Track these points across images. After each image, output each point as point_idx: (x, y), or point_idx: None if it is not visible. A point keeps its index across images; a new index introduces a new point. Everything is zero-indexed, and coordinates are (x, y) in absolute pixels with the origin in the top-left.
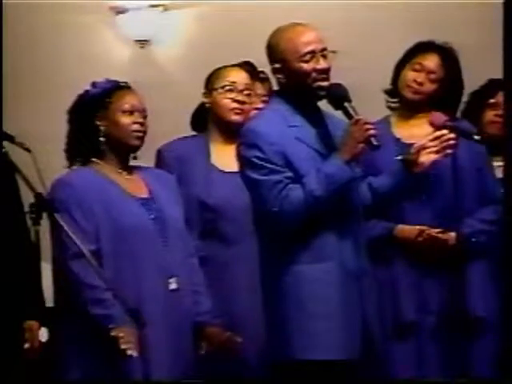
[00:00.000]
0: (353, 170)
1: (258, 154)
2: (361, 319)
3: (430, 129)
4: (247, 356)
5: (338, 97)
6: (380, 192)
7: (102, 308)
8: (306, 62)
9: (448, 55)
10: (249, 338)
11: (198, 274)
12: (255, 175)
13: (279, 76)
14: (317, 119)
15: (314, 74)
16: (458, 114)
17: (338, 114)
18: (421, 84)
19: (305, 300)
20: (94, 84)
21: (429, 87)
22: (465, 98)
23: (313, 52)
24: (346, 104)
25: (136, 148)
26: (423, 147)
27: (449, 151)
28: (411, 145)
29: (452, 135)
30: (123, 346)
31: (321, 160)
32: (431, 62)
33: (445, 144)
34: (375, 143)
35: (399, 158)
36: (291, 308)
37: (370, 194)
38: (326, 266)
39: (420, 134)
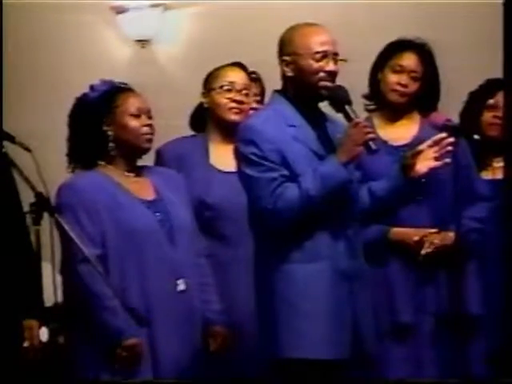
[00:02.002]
0: (349, 172)
1: (255, 150)
2: (351, 320)
3: (416, 129)
4: (247, 355)
5: (340, 99)
6: (377, 196)
7: (109, 317)
8: (317, 60)
9: (424, 51)
10: (249, 336)
11: (206, 274)
12: (251, 172)
13: (286, 69)
14: (317, 120)
15: (321, 74)
16: (456, 115)
17: (340, 116)
18: (405, 86)
19: (295, 299)
20: (92, 87)
21: (413, 87)
22: (464, 98)
23: (325, 53)
24: (346, 107)
25: (147, 150)
26: (421, 152)
27: (448, 160)
28: (399, 147)
29: (451, 139)
30: (132, 365)
31: (318, 161)
32: (410, 60)
33: (444, 150)
34: (373, 147)
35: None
36: (281, 306)
37: (368, 197)
38: (317, 266)
39: (407, 135)
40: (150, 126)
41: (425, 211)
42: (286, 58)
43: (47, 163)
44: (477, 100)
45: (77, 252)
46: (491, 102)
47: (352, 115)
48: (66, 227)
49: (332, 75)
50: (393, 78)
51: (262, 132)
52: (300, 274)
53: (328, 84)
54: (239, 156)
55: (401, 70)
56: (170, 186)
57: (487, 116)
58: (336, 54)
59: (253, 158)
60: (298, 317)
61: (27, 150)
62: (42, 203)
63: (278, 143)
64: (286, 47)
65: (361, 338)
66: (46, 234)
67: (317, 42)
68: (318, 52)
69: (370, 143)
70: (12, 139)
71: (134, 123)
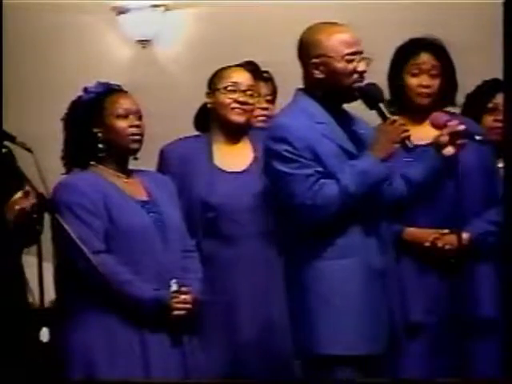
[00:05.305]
0: (386, 168)
1: (288, 147)
2: (386, 315)
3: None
4: (248, 353)
5: (374, 97)
6: (414, 180)
7: (147, 291)
8: (349, 61)
9: (436, 47)
10: (250, 337)
11: (194, 265)
12: (285, 168)
13: (316, 72)
14: (341, 117)
15: (355, 75)
16: None
17: (360, 113)
18: (428, 86)
19: (331, 296)
20: (85, 89)
21: (435, 86)
22: (462, 100)
23: (355, 53)
24: (380, 104)
25: (135, 151)
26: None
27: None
28: (419, 146)
29: (462, 127)
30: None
31: (346, 157)
32: (426, 60)
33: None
34: (409, 145)
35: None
36: (317, 303)
37: (405, 184)
38: (351, 262)
39: (430, 135)
40: (137, 126)
41: (438, 213)
42: (315, 60)
43: (48, 164)
44: (475, 102)
45: (89, 246)
46: (491, 105)
47: (386, 113)
48: (67, 227)
49: (363, 74)
50: (414, 81)
51: (293, 129)
52: (335, 270)
53: (361, 85)
54: (270, 152)
55: (419, 72)
56: (159, 187)
57: (488, 120)
58: (362, 53)
59: (286, 154)
60: (336, 314)
61: (28, 150)
62: (42, 204)
63: (310, 140)
64: (313, 49)
65: (393, 332)
66: (47, 235)
67: (346, 42)
68: (350, 53)
69: (407, 141)
70: (12, 139)
71: (120, 124)
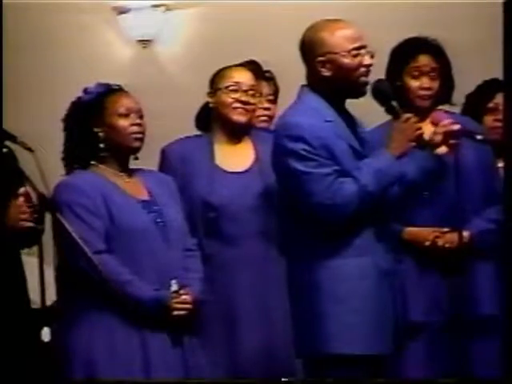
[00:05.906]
0: (401, 167)
1: (305, 146)
2: (393, 314)
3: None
4: (248, 353)
5: (387, 94)
6: (407, 179)
7: (148, 291)
8: (355, 56)
9: (436, 49)
10: (251, 337)
11: (196, 264)
12: (302, 167)
13: (323, 69)
14: (344, 116)
15: (361, 69)
16: None
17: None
18: (429, 89)
19: (344, 294)
20: (85, 90)
21: (435, 87)
22: (462, 100)
23: (360, 47)
24: (393, 102)
25: (136, 149)
26: (450, 132)
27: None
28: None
29: (455, 127)
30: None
31: (354, 155)
32: (427, 62)
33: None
34: (422, 143)
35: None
36: (328, 302)
37: (398, 183)
38: (363, 261)
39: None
40: (139, 125)
41: (439, 211)
42: (321, 58)
43: (48, 164)
44: (475, 102)
45: (89, 246)
46: (491, 105)
47: (399, 110)
48: (68, 227)
49: (369, 68)
50: (414, 83)
51: (309, 128)
52: (350, 269)
53: (367, 79)
54: (285, 152)
55: (419, 75)
56: (161, 187)
57: (488, 120)
58: (366, 47)
59: (304, 153)
60: (349, 312)
61: (29, 150)
62: (43, 204)
63: (325, 139)
64: (318, 48)
65: (397, 332)
66: (48, 235)
67: (350, 37)
68: (354, 48)
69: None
70: (13, 139)
71: (122, 123)
